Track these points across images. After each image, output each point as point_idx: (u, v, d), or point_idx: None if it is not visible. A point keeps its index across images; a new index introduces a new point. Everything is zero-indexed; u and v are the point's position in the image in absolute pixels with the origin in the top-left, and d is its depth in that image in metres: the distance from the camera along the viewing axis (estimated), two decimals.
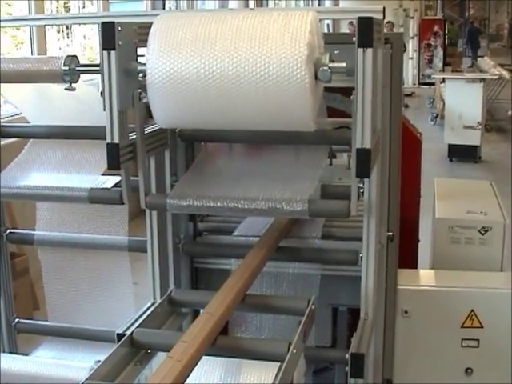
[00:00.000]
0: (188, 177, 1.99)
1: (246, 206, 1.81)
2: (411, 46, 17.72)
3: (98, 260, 2.27)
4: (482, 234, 2.52)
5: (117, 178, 2.04)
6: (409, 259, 2.68)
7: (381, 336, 2.18)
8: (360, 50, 1.56)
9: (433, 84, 12.95)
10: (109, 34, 1.67)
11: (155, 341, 1.55)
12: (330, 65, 1.62)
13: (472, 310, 2.29)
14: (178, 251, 2.19)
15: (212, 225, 2.40)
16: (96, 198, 1.96)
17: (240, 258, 1.99)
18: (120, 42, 1.68)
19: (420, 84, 17.04)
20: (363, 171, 1.61)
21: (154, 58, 1.62)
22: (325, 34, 1.75)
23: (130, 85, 1.72)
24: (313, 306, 1.68)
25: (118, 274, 2.26)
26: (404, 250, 2.72)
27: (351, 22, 15.29)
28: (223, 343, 1.61)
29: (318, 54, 1.63)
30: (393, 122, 2.09)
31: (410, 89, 15.94)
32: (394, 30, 17.11)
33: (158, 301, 1.79)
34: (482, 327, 2.29)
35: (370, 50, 1.56)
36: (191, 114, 1.66)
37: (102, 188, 1.98)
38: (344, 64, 1.63)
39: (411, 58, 17.66)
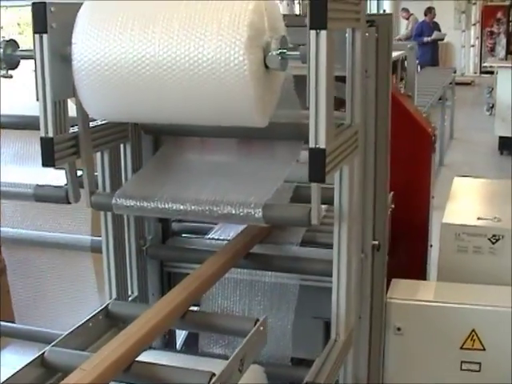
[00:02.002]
0: (141, 174, 1.80)
1: (196, 210, 1.61)
2: (473, 33, 17.09)
3: (62, 259, 2.11)
4: (493, 243, 2.24)
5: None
6: (416, 267, 2.43)
7: (365, 358, 1.95)
8: (312, 33, 1.32)
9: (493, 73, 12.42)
10: (40, 15, 1.49)
11: (66, 362, 1.36)
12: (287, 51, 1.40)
13: (473, 330, 2.02)
14: (142, 254, 2.01)
15: (189, 225, 2.21)
16: (42, 195, 1.79)
17: None
18: (54, 25, 1.50)
19: (481, 73, 16.40)
20: (317, 174, 1.37)
21: (80, 42, 1.43)
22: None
23: (68, 72, 1.54)
24: (261, 328, 1.47)
25: (82, 275, 2.10)
26: (412, 256, 2.48)
27: (405, 9, 14.86)
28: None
29: (269, 37, 1.41)
30: (380, 115, 1.84)
31: (469, 78, 15.38)
32: (456, 17, 16.51)
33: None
34: (483, 349, 2.03)
35: (323, 33, 1.32)
36: (122, 104, 1.46)
37: (48, 185, 1.80)
38: (298, 52, 1.40)
39: (473, 46, 17.07)
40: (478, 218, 2.31)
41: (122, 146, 1.89)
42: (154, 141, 1.98)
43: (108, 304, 1.60)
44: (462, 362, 2.05)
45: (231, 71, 1.32)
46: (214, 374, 1.25)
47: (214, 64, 1.33)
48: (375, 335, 1.97)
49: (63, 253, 2.09)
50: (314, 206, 1.50)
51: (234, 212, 1.58)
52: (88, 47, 1.41)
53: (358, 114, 1.68)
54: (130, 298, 1.94)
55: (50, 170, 1.72)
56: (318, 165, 1.37)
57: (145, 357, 1.76)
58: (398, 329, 2.08)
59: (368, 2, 16.24)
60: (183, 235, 2.21)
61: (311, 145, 1.37)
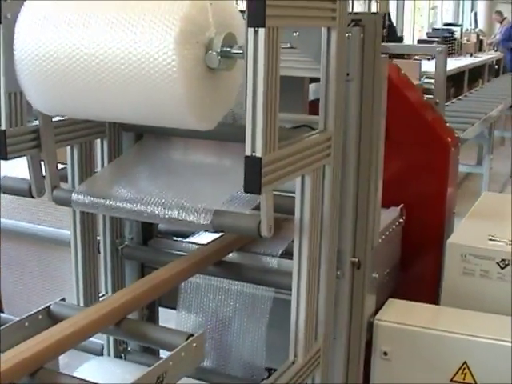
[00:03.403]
0: (106, 171, 1.74)
1: (146, 211, 1.53)
2: None
3: (43, 252, 2.08)
4: (502, 268, 2.04)
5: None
6: (427, 288, 2.26)
7: (339, 381, 1.81)
8: (250, 31, 1.21)
9: None
10: None
11: None
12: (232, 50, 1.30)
13: (465, 362, 1.85)
14: (118, 255, 1.95)
15: (176, 227, 2.12)
16: (7, 187, 1.74)
17: None
18: (8, 15, 1.45)
19: None
20: (252, 185, 1.26)
21: (21, 32, 1.37)
22: None
23: None
24: (194, 344, 1.37)
25: (64, 269, 2.06)
26: (423, 276, 2.31)
27: (498, 12, 14.19)
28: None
29: (213, 34, 1.30)
30: (364, 122, 1.69)
31: None
32: None
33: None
34: None
35: (262, 31, 1.20)
36: (61, 97, 1.39)
37: (14, 177, 1.76)
38: (239, 50, 1.29)
39: None
40: (490, 239, 2.12)
41: (99, 141, 1.85)
42: (136, 138, 1.92)
43: (50, 304, 1.54)
44: None
45: (160, 67, 1.23)
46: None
47: (143, 59, 1.23)
48: (353, 358, 1.83)
49: (44, 245, 2.05)
50: (264, 217, 1.39)
51: (182, 217, 1.49)
52: (28, 38, 1.35)
53: (331, 119, 1.54)
54: (101, 299, 1.90)
55: None
56: (254, 175, 1.25)
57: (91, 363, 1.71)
58: (385, 353, 1.93)
59: (461, 2, 15.79)
60: (173, 237, 2.15)
61: (247, 152, 1.26)
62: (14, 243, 2.11)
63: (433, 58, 10.33)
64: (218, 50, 1.29)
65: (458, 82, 9.79)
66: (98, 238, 1.91)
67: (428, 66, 8.85)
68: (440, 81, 2.51)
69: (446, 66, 2.50)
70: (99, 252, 1.92)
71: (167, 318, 2.09)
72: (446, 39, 11.58)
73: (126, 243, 1.98)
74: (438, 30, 12.22)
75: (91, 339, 1.93)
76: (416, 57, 10.47)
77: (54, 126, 1.65)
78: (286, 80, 1.81)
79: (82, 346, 1.94)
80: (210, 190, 1.58)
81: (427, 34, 12.03)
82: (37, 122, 1.61)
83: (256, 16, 1.20)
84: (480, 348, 1.83)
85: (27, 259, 2.13)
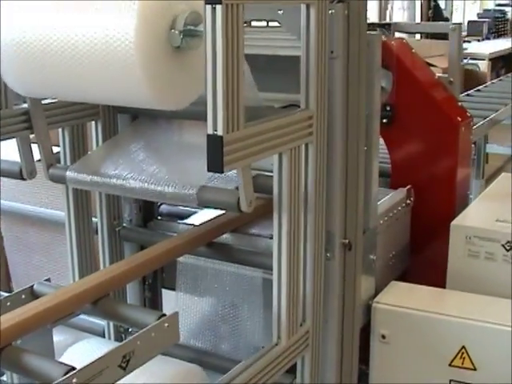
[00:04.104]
0: (100, 150, 1.77)
1: (138, 187, 1.57)
2: None
3: (49, 235, 2.12)
4: (507, 250, 1.97)
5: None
6: (438, 271, 2.20)
7: (333, 363, 1.79)
8: (208, 8, 1.20)
9: None
10: None
11: None
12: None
13: (463, 347, 1.80)
14: (116, 236, 1.97)
15: (177, 209, 2.14)
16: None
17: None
18: None
19: None
20: (214, 164, 1.26)
21: None
22: None
23: None
24: (166, 324, 1.37)
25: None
26: (432, 259, 2.26)
27: None
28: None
29: (179, 12, 1.29)
30: (351, 99, 1.65)
31: None
32: None
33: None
34: (474, 369, 1.80)
35: (219, 8, 1.19)
36: (40, 81, 1.40)
37: (5, 160, 1.79)
38: (201, 28, 1.27)
39: None
40: (497, 220, 2.05)
41: (93, 123, 1.87)
42: (131, 120, 1.93)
43: (33, 284, 1.57)
44: (450, 380, 1.83)
45: (118, 46, 1.22)
46: (73, 368, 1.18)
47: (104, 39, 1.23)
48: (347, 340, 1.81)
49: (50, 228, 2.09)
50: (242, 192, 1.39)
51: (169, 191, 1.51)
52: (5, 20, 1.37)
53: (313, 97, 1.52)
54: None
55: None
56: (216, 154, 1.24)
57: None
58: (383, 336, 1.89)
59: None
60: (175, 219, 2.16)
61: (209, 131, 1.25)
62: (20, 226, 2.16)
63: (483, 39, 10.03)
64: (181, 29, 1.28)
65: (509, 63, 9.50)
66: (96, 219, 1.94)
67: (476, 48, 8.67)
68: (454, 59, 2.43)
69: (460, 45, 2.42)
70: (97, 233, 1.95)
71: None
72: (497, 20, 11.24)
73: (125, 225, 2.00)
74: (490, 10, 11.85)
75: (93, 320, 1.99)
76: (466, 38, 10.24)
77: (43, 108, 1.68)
78: (282, 59, 1.81)
79: (86, 328, 2.00)
80: (200, 168, 1.57)
81: (478, 14, 11.70)
82: (26, 105, 1.65)
83: None
84: (478, 332, 1.78)
85: (34, 242, 2.17)
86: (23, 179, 1.72)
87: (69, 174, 1.64)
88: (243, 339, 1.91)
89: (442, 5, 10.96)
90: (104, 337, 2.01)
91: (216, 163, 1.25)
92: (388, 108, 2.30)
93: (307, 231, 1.59)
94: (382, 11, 8.81)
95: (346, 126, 1.66)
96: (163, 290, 2.18)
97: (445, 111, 2.24)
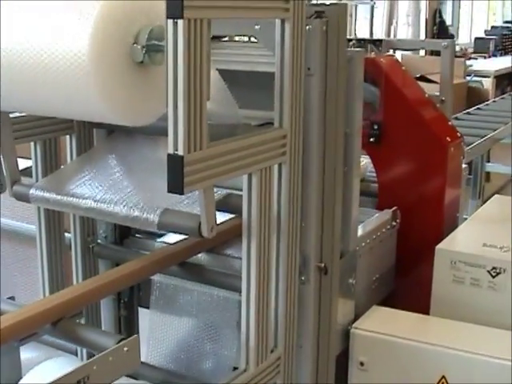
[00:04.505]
0: (69, 166, 1.72)
1: (97, 208, 1.51)
2: None
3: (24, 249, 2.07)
4: (493, 277, 1.91)
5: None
6: (425, 296, 2.13)
7: None
8: (170, 22, 1.15)
9: None
10: None
11: None
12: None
13: (443, 377, 1.73)
14: (89, 253, 1.92)
15: None
16: None
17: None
18: None
19: None
20: (174, 185, 1.20)
21: None
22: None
23: None
24: (125, 349, 1.32)
25: None
26: (421, 284, 2.19)
27: None
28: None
29: (143, 26, 1.24)
30: (328, 117, 1.60)
31: None
32: None
33: None
34: None
35: (181, 23, 1.14)
36: None
37: None
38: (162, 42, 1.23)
39: None
40: (484, 245, 1.99)
41: (68, 137, 1.83)
42: (107, 134, 1.88)
43: None
44: None
45: (75, 62, 1.18)
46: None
47: (60, 53, 1.19)
48: (322, 367, 1.74)
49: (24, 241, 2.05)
50: (204, 216, 1.33)
51: (136, 215, 1.46)
52: None
53: (287, 115, 1.47)
54: None
55: None
56: (176, 174, 1.19)
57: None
58: (361, 363, 1.83)
59: None
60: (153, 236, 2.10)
61: (169, 150, 1.20)
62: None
63: (490, 57, 10.00)
64: (144, 44, 1.24)
65: None
66: (69, 234, 1.89)
67: (481, 65, 8.62)
68: (446, 78, 2.38)
69: (452, 62, 2.37)
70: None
71: None
72: (504, 37, 11.20)
73: (99, 241, 1.95)
74: (497, 27, 11.83)
75: None
76: (472, 55, 10.20)
77: (13, 121, 1.64)
78: (262, 76, 1.76)
79: (59, 345, 1.95)
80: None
81: (485, 31, 11.65)
82: None
83: (173, 7, 1.14)
84: (459, 362, 1.72)
85: (10, 256, 2.13)
86: None
87: (32, 192, 1.58)
88: (217, 361, 1.86)
89: (448, 21, 10.93)
90: (77, 355, 1.96)
91: (176, 184, 1.20)
92: (376, 126, 2.25)
93: (280, 254, 1.54)
94: (386, 27, 8.77)
95: (323, 146, 1.61)
96: (140, 309, 2.13)
97: (433, 131, 2.18)
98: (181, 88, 1.16)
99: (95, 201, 1.53)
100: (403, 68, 2.33)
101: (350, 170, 1.78)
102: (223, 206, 1.66)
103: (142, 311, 2.12)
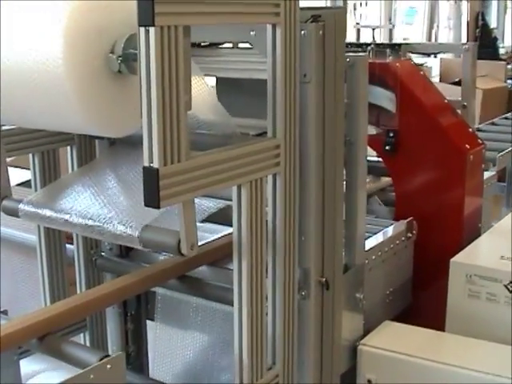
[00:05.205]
0: (66, 179, 1.69)
1: (81, 224, 1.47)
2: None
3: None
4: (510, 292, 1.81)
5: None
6: (442, 312, 2.04)
7: None
8: (142, 30, 1.11)
9: None
10: None
11: None
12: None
13: None
14: (92, 266, 1.89)
15: None
16: None
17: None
18: None
19: None
20: (150, 199, 1.16)
21: None
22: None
23: None
24: (108, 366, 1.28)
25: None
26: (439, 298, 2.10)
27: None
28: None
29: (124, 35, 1.21)
30: (328, 126, 1.54)
31: None
32: None
33: None
34: None
35: (153, 30, 1.10)
36: None
37: None
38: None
39: None
40: (502, 258, 1.89)
41: (69, 149, 1.81)
42: (110, 145, 1.85)
43: None
44: None
45: (51, 72, 1.15)
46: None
47: (34, 63, 1.16)
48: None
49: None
50: (183, 233, 1.28)
51: (116, 231, 1.41)
52: None
53: (281, 124, 1.41)
54: None
55: None
56: (151, 188, 1.15)
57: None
58: (369, 381, 1.75)
59: None
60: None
61: (145, 163, 1.15)
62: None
63: None
64: (120, 53, 1.20)
65: None
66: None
67: None
68: (468, 82, 2.28)
69: (474, 66, 2.27)
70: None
71: None
72: None
73: (103, 254, 1.92)
74: None
75: None
76: None
77: (10, 133, 1.63)
78: (263, 83, 1.71)
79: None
80: None
81: None
82: None
83: (145, 14, 1.09)
84: (471, 383, 1.63)
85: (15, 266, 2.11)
86: None
87: (21, 207, 1.55)
88: (220, 376, 1.81)
89: (493, 23, 10.66)
90: None
91: (152, 198, 1.15)
92: (391, 134, 2.17)
93: (276, 269, 1.48)
94: (427, 30, 8.60)
95: (322, 156, 1.55)
96: (149, 322, 2.09)
97: (451, 138, 2.09)
98: (154, 98, 1.12)
99: (83, 217, 1.48)
100: (421, 73, 2.24)
101: (354, 181, 1.71)
102: (223, 218, 1.62)
103: (151, 324, 2.09)
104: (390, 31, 3.07)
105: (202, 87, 1.44)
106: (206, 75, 1.82)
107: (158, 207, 1.16)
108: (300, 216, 1.53)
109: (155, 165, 1.14)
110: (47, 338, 1.38)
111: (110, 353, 2.03)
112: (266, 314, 1.49)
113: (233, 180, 1.32)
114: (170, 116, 1.14)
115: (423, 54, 2.51)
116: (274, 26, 1.38)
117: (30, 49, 1.16)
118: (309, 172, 1.53)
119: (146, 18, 1.09)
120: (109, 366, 1.29)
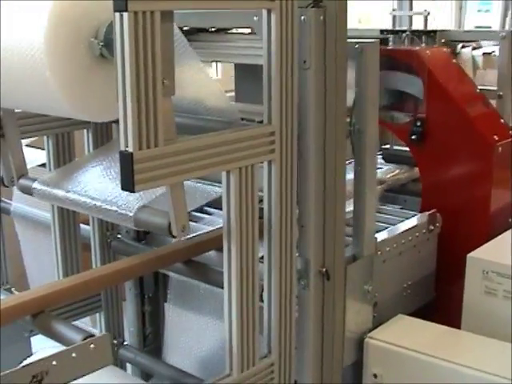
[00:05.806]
0: (80, 161, 1.72)
1: (82, 202, 1.51)
2: None
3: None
4: None
5: None
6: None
7: None
8: (117, 16, 1.11)
9: None
10: None
11: None
12: None
13: None
14: (107, 248, 1.92)
15: None
16: None
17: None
18: None
19: None
20: (126, 183, 1.17)
21: None
22: None
23: None
24: (92, 346, 1.30)
25: None
26: (459, 295, 2.03)
27: None
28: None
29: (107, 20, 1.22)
30: (329, 113, 1.50)
31: None
32: None
33: None
34: None
35: (126, 15, 1.10)
36: None
37: None
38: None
39: None
40: None
41: (85, 132, 1.85)
42: None
43: None
44: None
45: (34, 55, 1.17)
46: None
47: (20, 46, 1.19)
48: (326, 377, 1.65)
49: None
50: (172, 215, 1.29)
51: (115, 210, 1.44)
52: None
53: (276, 111, 1.39)
54: None
55: None
56: (126, 172, 1.15)
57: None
58: (375, 375, 1.72)
59: None
60: None
61: (121, 147, 1.16)
62: (31, 230, 2.16)
63: None
64: (102, 38, 1.21)
65: None
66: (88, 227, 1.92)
67: None
68: (504, 71, 2.18)
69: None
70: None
71: None
72: None
73: (119, 236, 1.96)
74: None
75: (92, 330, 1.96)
76: None
77: (24, 115, 1.67)
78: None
79: None
80: None
81: None
82: None
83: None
84: (476, 383, 1.57)
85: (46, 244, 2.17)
86: (6, 186, 1.72)
87: (35, 186, 1.61)
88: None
89: None
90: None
91: (127, 182, 1.16)
92: (419, 123, 2.11)
93: (271, 256, 1.47)
94: (502, 18, 8.27)
95: (323, 144, 1.52)
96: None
97: (478, 129, 2.01)
98: (128, 83, 1.12)
99: (91, 198, 1.52)
100: (453, 61, 2.16)
101: (363, 170, 1.67)
102: None
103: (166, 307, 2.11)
104: (426, 18, 2.94)
105: (204, 76, 1.44)
106: (213, 61, 1.81)
107: (133, 191, 1.17)
108: (300, 205, 1.52)
109: (130, 149, 1.15)
110: (40, 316, 1.41)
111: (126, 334, 2.10)
112: (262, 302, 1.49)
113: (220, 165, 1.31)
114: (145, 101, 1.14)
115: (459, 41, 2.40)
116: (269, 11, 1.35)
117: (13, 33, 1.19)
118: (308, 160, 1.51)
119: (120, 3, 1.09)
120: (92, 346, 1.30)
